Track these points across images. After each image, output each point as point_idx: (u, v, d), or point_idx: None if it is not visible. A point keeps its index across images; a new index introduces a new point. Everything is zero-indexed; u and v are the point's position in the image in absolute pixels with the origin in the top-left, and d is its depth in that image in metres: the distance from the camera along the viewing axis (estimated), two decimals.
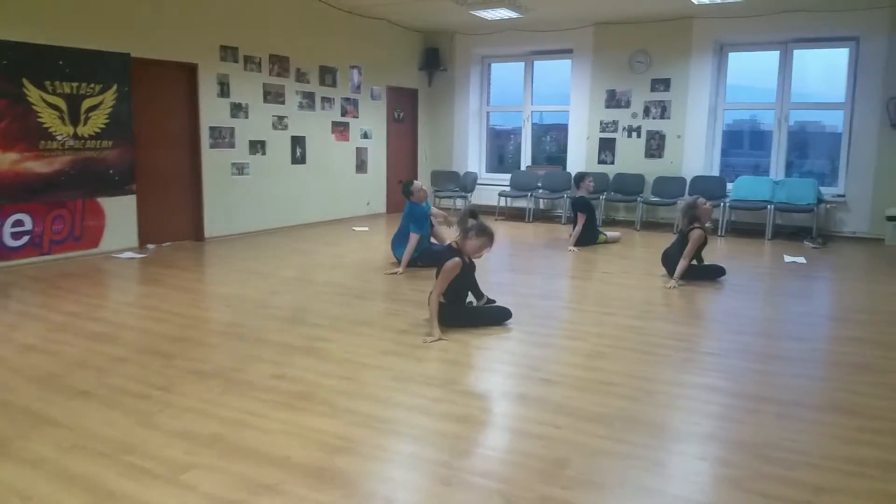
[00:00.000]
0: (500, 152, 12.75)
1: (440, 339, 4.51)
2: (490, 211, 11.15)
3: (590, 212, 8.40)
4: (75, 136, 6.95)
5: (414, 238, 6.67)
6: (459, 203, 10.71)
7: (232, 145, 8.51)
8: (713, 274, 6.48)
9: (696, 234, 6.20)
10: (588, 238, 8.34)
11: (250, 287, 6.05)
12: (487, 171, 12.13)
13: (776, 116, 9.74)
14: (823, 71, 9.97)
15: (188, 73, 8.07)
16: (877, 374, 3.99)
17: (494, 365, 4.14)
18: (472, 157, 11.92)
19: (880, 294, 6.06)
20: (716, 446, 3.06)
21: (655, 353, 4.36)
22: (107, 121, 7.19)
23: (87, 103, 7.02)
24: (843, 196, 9.19)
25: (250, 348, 4.34)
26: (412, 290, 5.92)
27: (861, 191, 9.02)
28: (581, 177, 8.55)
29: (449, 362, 4.15)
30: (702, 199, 6.42)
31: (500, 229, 9.58)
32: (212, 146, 8.28)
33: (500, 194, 10.86)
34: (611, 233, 8.82)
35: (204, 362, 4.08)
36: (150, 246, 7.81)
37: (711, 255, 7.74)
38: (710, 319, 5.26)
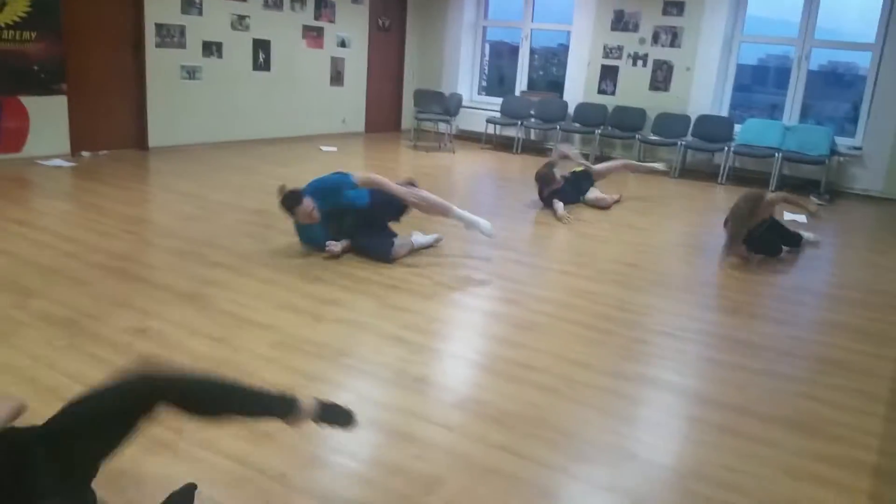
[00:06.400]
0: (502, 72, 11.73)
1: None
2: (476, 138, 10.32)
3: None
4: None
5: None
6: (443, 127, 9.86)
7: (182, 45, 7.66)
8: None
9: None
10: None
11: (167, 210, 5.41)
12: (480, 94, 11.20)
13: (796, 53, 8.72)
14: (861, 9, 8.88)
15: None
16: (854, 377, 3.33)
17: (403, 332, 3.49)
18: (463, 77, 10.97)
19: (883, 268, 5.32)
20: (628, 472, 2.44)
21: (600, 329, 3.70)
22: (29, 8, 6.36)
23: None
24: (859, 149, 8.29)
25: (124, 290, 3.72)
26: None
27: (880, 144, 8.10)
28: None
29: (350, 325, 3.51)
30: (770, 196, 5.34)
31: (483, 160, 8.82)
32: (158, 45, 7.44)
33: (488, 121, 10.00)
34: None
35: (62, 305, 3.47)
36: (85, 153, 7.11)
37: (707, 206, 7.01)
38: (678, 289, 4.56)
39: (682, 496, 2.31)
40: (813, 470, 2.49)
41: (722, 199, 7.83)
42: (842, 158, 8.29)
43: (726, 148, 8.54)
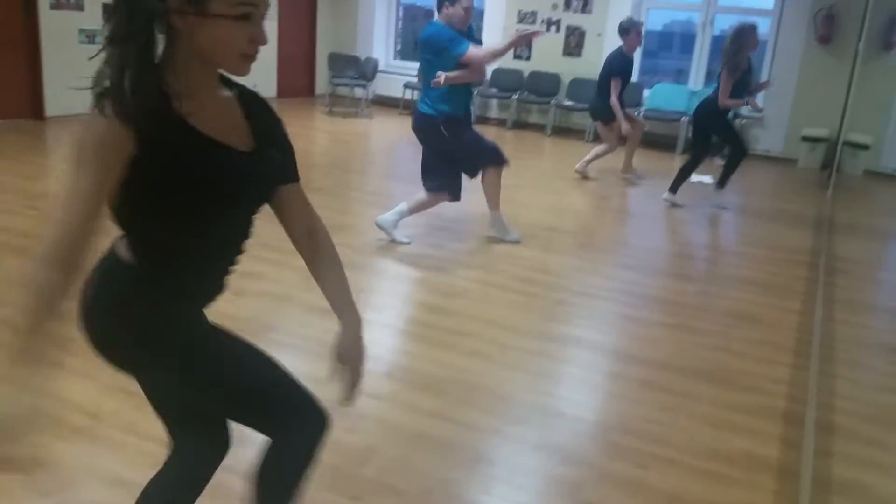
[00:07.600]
0: (417, 36, 11.57)
1: None
2: (394, 103, 10.20)
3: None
4: None
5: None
6: (359, 92, 9.69)
7: (80, 7, 7.18)
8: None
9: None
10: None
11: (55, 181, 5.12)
12: (396, 58, 11.04)
13: (700, 19, 9.00)
14: None
15: None
16: (761, 329, 3.52)
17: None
18: (378, 41, 10.78)
19: (784, 224, 5.62)
20: (558, 430, 2.51)
21: (526, 293, 3.77)
22: None
23: None
24: (760, 111, 8.64)
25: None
26: None
27: (779, 108, 8.50)
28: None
29: (273, 298, 3.44)
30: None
31: (401, 125, 8.73)
32: (53, 7, 6.95)
33: (406, 86, 9.88)
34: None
35: None
36: None
37: (619, 169, 7.17)
38: (596, 249, 4.69)
39: (609, 449, 2.40)
40: (730, 419, 2.63)
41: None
42: (744, 120, 8.65)
43: (636, 112, 8.75)
